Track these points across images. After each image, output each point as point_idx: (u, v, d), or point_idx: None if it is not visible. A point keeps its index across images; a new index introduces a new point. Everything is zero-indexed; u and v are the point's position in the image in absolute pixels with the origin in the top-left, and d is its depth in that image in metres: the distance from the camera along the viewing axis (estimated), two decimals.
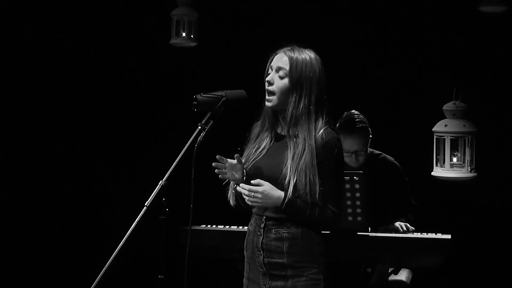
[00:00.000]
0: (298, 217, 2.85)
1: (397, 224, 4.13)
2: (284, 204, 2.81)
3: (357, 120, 4.22)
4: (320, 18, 5.68)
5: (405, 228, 4.10)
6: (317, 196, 2.80)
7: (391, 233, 4.02)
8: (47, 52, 5.90)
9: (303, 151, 2.82)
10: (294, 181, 2.80)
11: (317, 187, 2.80)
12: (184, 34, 5.39)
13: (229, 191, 3.01)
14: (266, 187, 2.82)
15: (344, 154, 4.10)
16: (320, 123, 2.88)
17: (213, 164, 2.88)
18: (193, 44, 5.45)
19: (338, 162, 2.89)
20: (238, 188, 2.89)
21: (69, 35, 5.93)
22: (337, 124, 4.22)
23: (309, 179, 2.79)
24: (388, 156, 4.36)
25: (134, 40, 6.00)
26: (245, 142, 3.06)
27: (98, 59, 5.98)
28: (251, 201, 2.85)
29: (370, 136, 4.29)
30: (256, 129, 3.03)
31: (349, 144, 4.18)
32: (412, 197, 4.40)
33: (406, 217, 4.28)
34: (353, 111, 4.32)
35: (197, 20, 5.42)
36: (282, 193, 2.82)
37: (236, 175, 2.88)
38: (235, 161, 2.87)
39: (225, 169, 2.88)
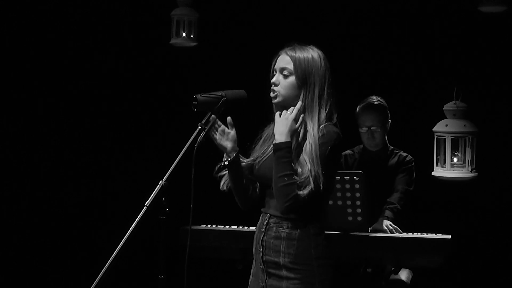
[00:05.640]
0: (279, 165, 2.79)
1: (384, 225, 4.12)
2: (283, 143, 2.80)
3: (375, 98, 4.52)
4: (321, 18, 5.68)
5: (392, 230, 4.09)
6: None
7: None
8: (46, 52, 5.89)
9: (305, 141, 2.83)
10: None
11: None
12: (184, 34, 5.38)
13: (224, 177, 3.02)
14: (287, 121, 2.82)
15: (361, 131, 4.38)
16: (323, 115, 2.89)
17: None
18: (193, 44, 5.45)
19: (331, 152, 2.83)
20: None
21: (69, 35, 5.92)
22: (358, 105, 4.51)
23: (309, 167, 2.77)
24: (403, 152, 4.49)
25: (134, 40, 5.99)
26: (248, 142, 3.06)
27: (98, 59, 5.97)
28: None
29: (389, 121, 4.49)
30: (266, 132, 3.05)
31: (365, 119, 4.42)
32: (412, 184, 4.41)
33: (392, 209, 4.26)
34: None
35: (197, 20, 5.42)
36: (289, 139, 2.81)
37: (228, 144, 2.92)
38: (228, 130, 2.91)
39: (219, 133, 2.91)
